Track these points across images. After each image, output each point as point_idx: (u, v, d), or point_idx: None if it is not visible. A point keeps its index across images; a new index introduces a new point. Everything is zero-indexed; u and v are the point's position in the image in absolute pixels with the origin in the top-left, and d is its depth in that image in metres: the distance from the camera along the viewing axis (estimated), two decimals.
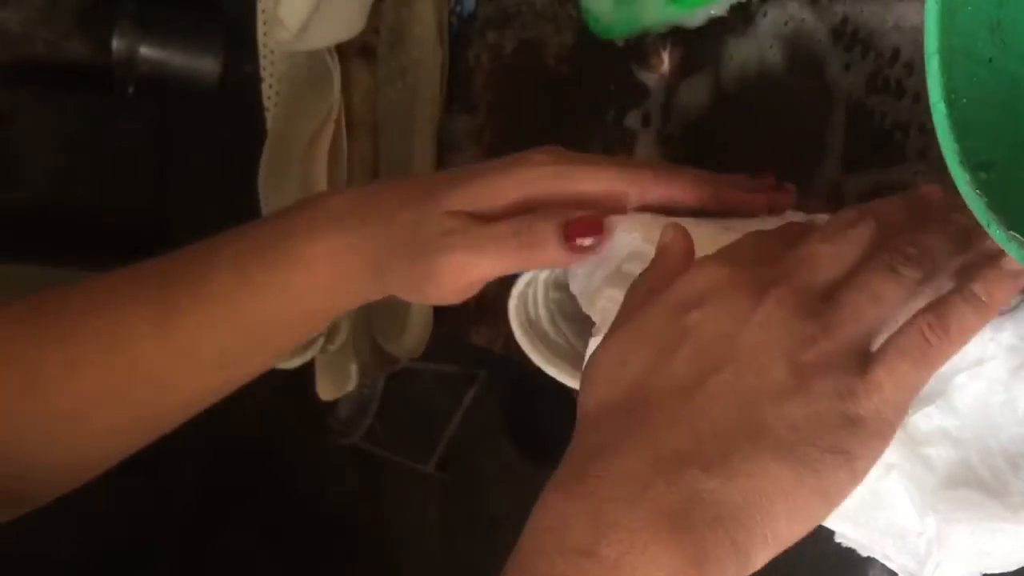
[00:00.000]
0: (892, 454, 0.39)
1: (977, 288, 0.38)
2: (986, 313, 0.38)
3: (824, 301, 0.39)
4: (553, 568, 0.36)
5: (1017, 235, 0.32)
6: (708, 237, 0.46)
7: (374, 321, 0.84)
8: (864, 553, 0.42)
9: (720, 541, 0.36)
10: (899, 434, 0.39)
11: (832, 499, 0.37)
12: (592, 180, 0.51)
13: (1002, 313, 0.39)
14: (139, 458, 0.57)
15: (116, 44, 1.11)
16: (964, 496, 0.39)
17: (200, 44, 1.14)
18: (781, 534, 0.37)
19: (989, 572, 0.40)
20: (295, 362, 0.91)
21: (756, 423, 0.37)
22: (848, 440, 0.37)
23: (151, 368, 0.54)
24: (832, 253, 0.40)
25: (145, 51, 1.12)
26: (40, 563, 1.18)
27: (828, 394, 0.37)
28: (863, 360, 0.38)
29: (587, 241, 0.48)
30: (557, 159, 0.52)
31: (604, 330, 0.42)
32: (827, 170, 0.53)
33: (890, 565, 0.41)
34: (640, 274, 0.43)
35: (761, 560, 0.37)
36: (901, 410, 0.38)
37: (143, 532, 1.26)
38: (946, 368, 0.39)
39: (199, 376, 0.56)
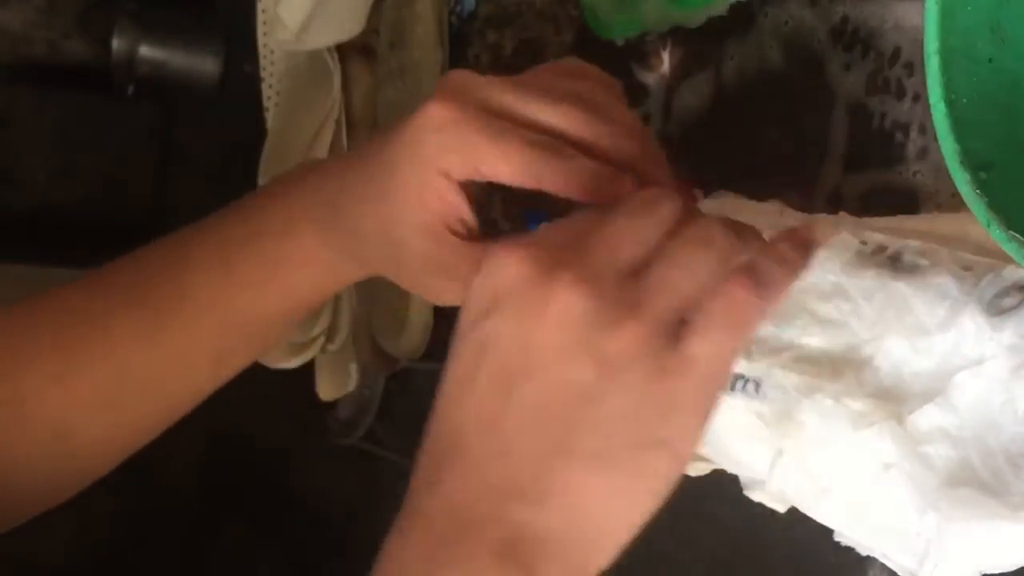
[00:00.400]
0: (892, 453, 0.39)
1: (784, 248, 0.36)
2: (795, 272, 0.36)
3: (630, 275, 0.36)
4: None
5: (1017, 235, 0.32)
6: None
7: (374, 321, 0.84)
8: (863, 552, 0.42)
9: (550, 566, 0.35)
10: (899, 432, 0.39)
11: (660, 490, 0.35)
12: (498, 168, 0.43)
13: (1002, 313, 0.39)
14: (138, 459, 0.57)
15: (116, 44, 1.12)
16: (964, 495, 0.39)
17: (200, 44, 1.15)
18: (615, 536, 0.35)
19: (989, 572, 0.40)
20: (295, 362, 0.91)
21: (566, 436, 0.35)
22: (666, 428, 0.35)
23: (143, 374, 0.53)
24: (634, 228, 0.37)
25: (145, 51, 1.13)
26: (36, 566, 1.18)
27: (639, 383, 0.34)
28: (675, 335, 0.35)
29: None
30: (456, 121, 0.44)
31: None
32: (827, 170, 0.53)
33: (889, 564, 0.41)
34: None
35: (603, 563, 0.36)
36: (721, 380, 0.35)
37: (143, 532, 1.26)
38: (946, 367, 0.39)
39: (191, 377, 0.55)
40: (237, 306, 0.53)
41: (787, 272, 0.36)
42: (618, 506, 0.35)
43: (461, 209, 0.45)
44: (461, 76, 0.46)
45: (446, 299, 0.47)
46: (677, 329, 0.35)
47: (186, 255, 0.53)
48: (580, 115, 0.43)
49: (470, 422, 0.36)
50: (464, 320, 0.36)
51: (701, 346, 0.35)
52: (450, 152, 0.44)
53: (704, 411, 0.35)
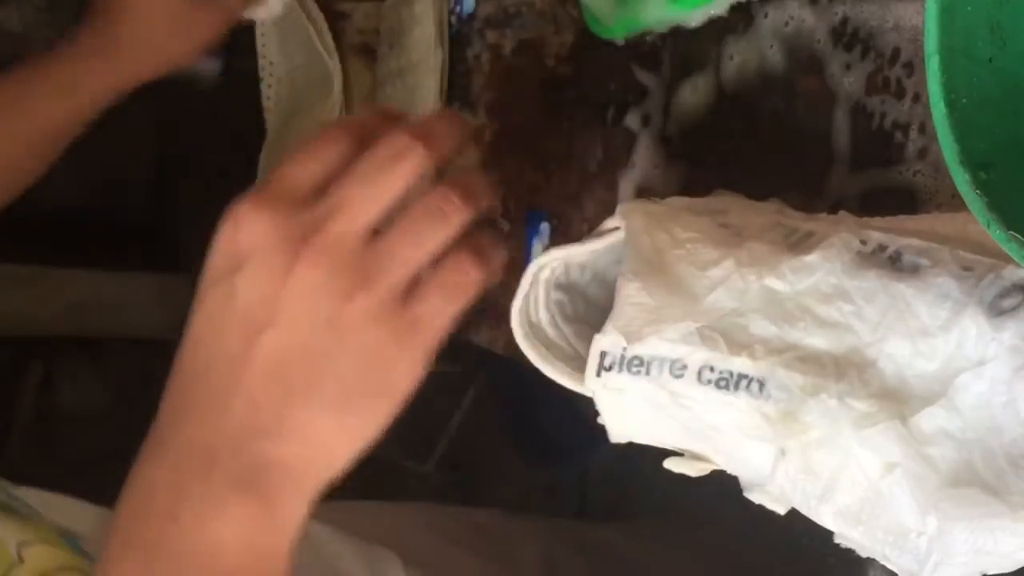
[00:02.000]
0: (895, 453, 0.39)
1: (503, 224, 0.42)
2: (506, 248, 0.44)
3: (367, 245, 0.41)
4: (142, 534, 0.40)
5: (1017, 235, 0.32)
6: (703, 230, 0.46)
7: None
8: (864, 553, 0.42)
9: (287, 494, 0.41)
10: (903, 433, 0.39)
11: (382, 424, 0.43)
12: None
13: (1003, 314, 0.39)
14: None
15: None
16: (966, 495, 0.39)
17: None
18: (343, 461, 0.42)
19: (989, 572, 0.40)
20: None
21: (307, 387, 0.40)
22: (392, 380, 0.42)
23: None
24: (370, 197, 0.41)
25: None
26: None
27: (371, 344, 0.40)
28: (405, 302, 0.41)
29: None
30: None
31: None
32: (827, 170, 0.53)
33: (889, 565, 0.41)
34: None
35: (328, 481, 0.42)
36: (437, 338, 0.42)
37: None
38: (948, 368, 0.39)
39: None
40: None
41: (504, 253, 0.44)
42: (348, 440, 0.42)
43: None
44: None
45: (180, 60, 0.68)
46: (408, 289, 0.41)
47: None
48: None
49: (217, 365, 0.41)
50: (212, 268, 0.41)
51: (425, 310, 0.41)
52: None
53: (423, 363, 0.42)
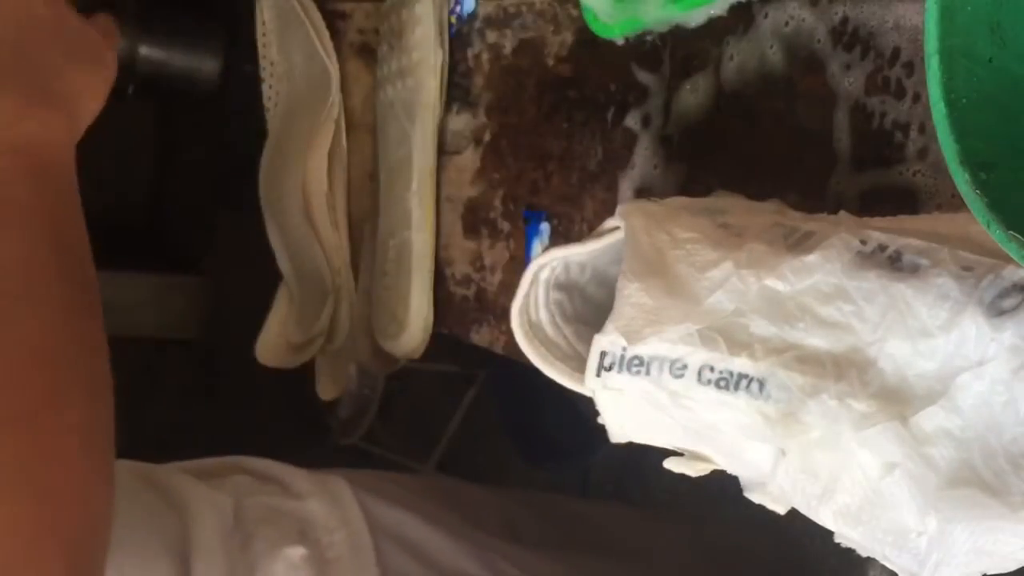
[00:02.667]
0: (895, 453, 0.39)
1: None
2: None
3: None
4: None
5: (1017, 235, 0.32)
6: (703, 231, 0.46)
7: (374, 321, 0.84)
8: (864, 553, 0.42)
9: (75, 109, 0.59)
10: (903, 433, 0.39)
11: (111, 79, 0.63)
12: None
13: (1003, 314, 0.39)
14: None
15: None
16: (965, 495, 0.39)
17: (200, 44, 1.15)
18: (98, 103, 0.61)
19: (989, 572, 0.40)
20: (295, 362, 0.91)
21: (69, 51, 0.60)
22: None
23: None
24: None
25: (145, 51, 1.13)
26: None
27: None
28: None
29: None
30: None
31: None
32: (827, 170, 0.53)
33: (890, 565, 0.41)
34: None
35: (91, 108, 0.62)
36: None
37: None
38: (948, 368, 0.39)
39: None
40: None
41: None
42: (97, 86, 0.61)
43: None
44: None
45: None
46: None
47: None
48: None
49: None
50: None
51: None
52: None
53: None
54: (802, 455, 0.43)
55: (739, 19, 0.57)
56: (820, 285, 0.43)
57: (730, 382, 0.43)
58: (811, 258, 0.43)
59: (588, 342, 0.45)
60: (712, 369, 0.43)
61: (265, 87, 0.93)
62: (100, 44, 0.61)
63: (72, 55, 0.59)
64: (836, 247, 0.43)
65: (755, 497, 0.45)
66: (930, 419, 0.40)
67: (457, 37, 0.78)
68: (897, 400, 0.40)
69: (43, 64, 0.57)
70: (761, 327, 0.43)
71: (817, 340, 0.42)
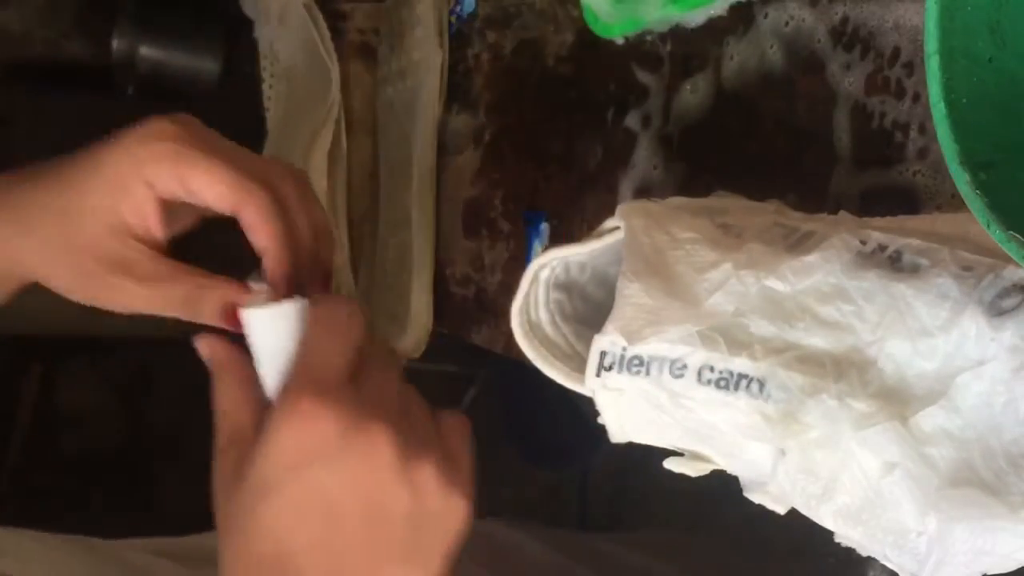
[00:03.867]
0: (895, 453, 0.39)
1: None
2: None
3: (414, 418, 0.48)
4: None
5: (1017, 235, 0.32)
6: (702, 231, 0.46)
7: (374, 321, 0.84)
8: (864, 553, 0.42)
9: None
10: (903, 433, 0.39)
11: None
12: (206, 184, 0.50)
13: (1003, 314, 0.39)
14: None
15: (116, 44, 1.12)
16: (965, 495, 0.39)
17: (200, 44, 1.15)
18: None
19: (989, 572, 0.40)
20: None
21: (387, 547, 0.45)
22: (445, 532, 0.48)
23: None
24: (392, 377, 0.48)
25: (145, 51, 1.13)
26: None
27: (439, 499, 0.47)
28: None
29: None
30: (178, 136, 0.51)
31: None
32: (827, 170, 0.53)
33: (889, 565, 0.41)
34: None
35: None
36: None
37: None
38: (948, 368, 0.39)
39: None
40: None
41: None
42: None
43: (151, 222, 0.51)
44: (192, 118, 0.53)
45: (131, 303, 0.52)
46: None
47: None
48: (266, 198, 0.51)
49: (302, 550, 0.43)
50: (279, 462, 0.43)
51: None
52: (162, 161, 0.50)
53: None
54: (802, 455, 0.43)
55: (739, 19, 0.57)
56: (820, 285, 0.43)
57: (730, 382, 0.43)
58: (811, 258, 0.43)
59: (588, 342, 0.45)
60: (712, 369, 0.43)
61: (265, 87, 0.93)
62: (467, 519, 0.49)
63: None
64: (836, 247, 0.43)
65: (755, 497, 0.45)
66: (930, 419, 0.40)
67: (457, 37, 0.78)
68: (897, 400, 0.40)
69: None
70: (761, 327, 0.43)
71: (817, 340, 0.42)
